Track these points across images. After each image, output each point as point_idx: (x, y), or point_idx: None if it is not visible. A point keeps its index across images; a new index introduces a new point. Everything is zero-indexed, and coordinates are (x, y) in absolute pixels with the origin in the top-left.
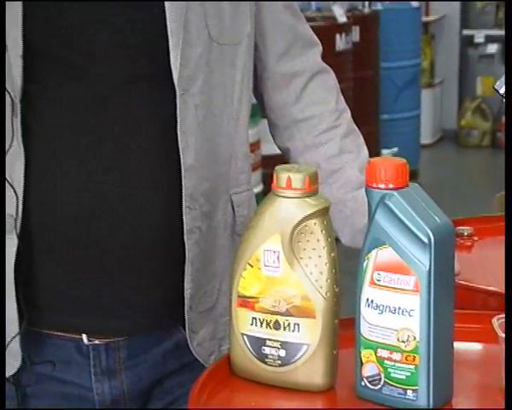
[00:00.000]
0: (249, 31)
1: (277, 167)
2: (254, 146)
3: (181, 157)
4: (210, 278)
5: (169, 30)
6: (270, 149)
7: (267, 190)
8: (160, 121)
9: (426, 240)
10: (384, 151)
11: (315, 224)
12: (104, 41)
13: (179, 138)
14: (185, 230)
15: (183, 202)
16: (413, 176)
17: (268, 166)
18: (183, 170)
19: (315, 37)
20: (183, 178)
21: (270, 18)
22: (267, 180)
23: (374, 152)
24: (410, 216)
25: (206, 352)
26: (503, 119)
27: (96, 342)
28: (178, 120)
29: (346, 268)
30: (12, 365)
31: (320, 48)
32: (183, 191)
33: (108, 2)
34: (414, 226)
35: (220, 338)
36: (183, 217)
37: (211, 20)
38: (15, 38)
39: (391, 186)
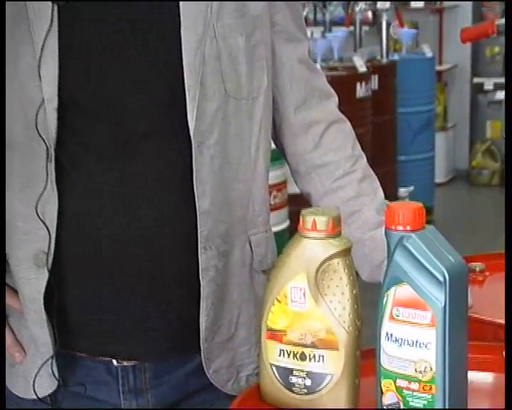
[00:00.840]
0: (266, 85)
1: (303, 211)
2: (281, 186)
3: (196, 204)
4: (226, 312)
5: (186, 85)
6: (295, 188)
7: (293, 226)
8: (177, 169)
9: (441, 278)
10: (401, 190)
11: (338, 263)
12: (129, 96)
13: (195, 186)
14: (200, 268)
15: (199, 244)
16: (428, 212)
17: (294, 204)
18: (198, 214)
19: (331, 88)
20: (198, 222)
21: (286, 73)
22: (293, 217)
23: (392, 191)
24: (427, 256)
25: (223, 378)
26: None
27: (125, 363)
28: (194, 169)
29: (367, 299)
30: (48, 386)
31: (336, 98)
32: (199, 234)
33: (134, 61)
34: (430, 266)
35: (238, 365)
36: (199, 257)
37: (227, 76)
38: (52, 93)
39: (408, 228)
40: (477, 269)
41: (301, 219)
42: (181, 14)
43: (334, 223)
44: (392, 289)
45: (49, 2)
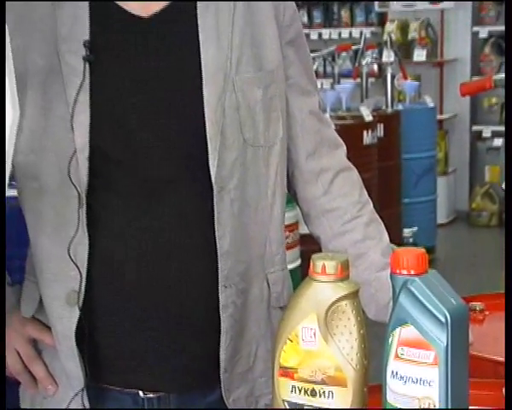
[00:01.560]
0: (281, 134)
1: (314, 256)
2: (293, 226)
3: (217, 245)
4: (245, 345)
5: (208, 136)
6: (306, 229)
7: (304, 265)
8: (199, 213)
9: (443, 320)
10: (405, 230)
11: (346, 305)
12: (155, 146)
13: (216, 228)
14: (220, 305)
15: (219, 282)
16: (430, 251)
17: (305, 244)
18: (219, 255)
19: (339, 139)
20: (219, 262)
21: (298, 124)
22: (304, 256)
23: (396, 231)
24: (430, 299)
25: (243, 408)
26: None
27: (150, 395)
28: (216, 213)
29: (373, 333)
30: None
31: (344, 148)
32: (219, 273)
33: (158, 114)
34: (433, 308)
35: (257, 396)
36: (219, 294)
37: (245, 126)
38: (83, 144)
39: (412, 273)
40: (477, 309)
41: (312, 263)
42: (202, 69)
43: (343, 267)
44: (398, 329)
45: (81, 59)
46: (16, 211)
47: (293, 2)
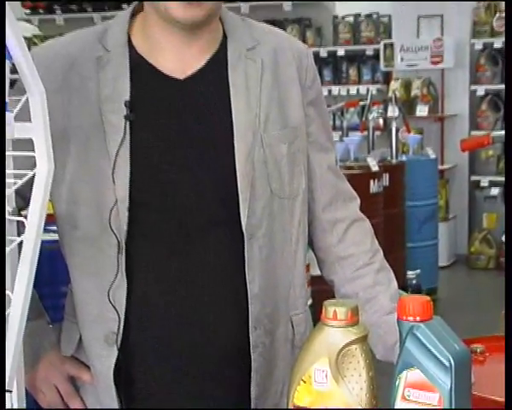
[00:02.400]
0: (304, 186)
1: (325, 302)
2: (306, 268)
3: (248, 288)
4: (273, 383)
5: (239, 187)
6: (317, 270)
7: (315, 303)
8: (231, 258)
9: (447, 364)
10: (409, 272)
11: (356, 349)
12: (190, 197)
13: (246, 273)
14: (251, 345)
15: (250, 324)
16: (433, 292)
17: (316, 284)
18: (249, 298)
19: (353, 192)
20: (249, 305)
21: (317, 178)
22: (315, 296)
23: (401, 273)
24: (434, 344)
25: None
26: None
27: None
28: (246, 258)
29: (381, 368)
30: None
31: (358, 201)
32: (250, 315)
33: (193, 167)
34: (437, 353)
35: None
36: (250, 335)
37: (273, 178)
38: (124, 195)
39: (418, 319)
40: (478, 350)
41: (324, 309)
42: (234, 126)
43: (353, 313)
44: (404, 372)
45: (122, 117)
46: (50, 253)
47: (315, 66)
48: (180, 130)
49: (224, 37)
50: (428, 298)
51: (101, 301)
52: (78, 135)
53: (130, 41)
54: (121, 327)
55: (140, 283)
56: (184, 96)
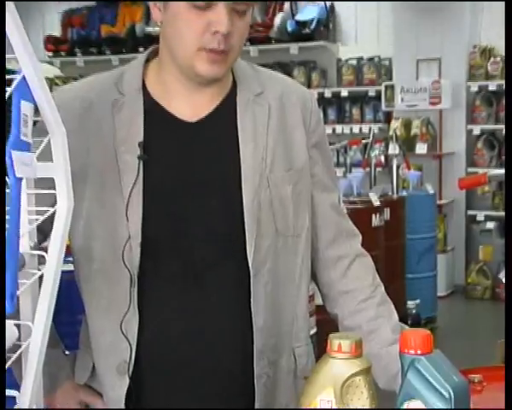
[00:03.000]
0: (307, 225)
1: (331, 335)
2: (310, 298)
3: (253, 321)
4: None
5: (246, 226)
6: (321, 300)
7: (319, 331)
8: (237, 293)
9: (447, 396)
10: (409, 302)
11: (359, 380)
12: (199, 234)
13: (252, 307)
14: (255, 375)
15: (254, 355)
16: (432, 321)
17: (320, 313)
18: (254, 330)
19: (356, 229)
20: (254, 337)
21: (320, 216)
22: (319, 324)
23: (401, 303)
24: (435, 376)
25: None
26: (500, 278)
27: None
28: (252, 293)
29: (382, 395)
30: None
31: (360, 238)
32: (254, 347)
33: (203, 206)
34: (437, 384)
35: None
36: (254, 366)
37: (278, 218)
38: (136, 231)
39: (419, 352)
40: (476, 380)
41: (329, 342)
42: (241, 168)
43: (357, 346)
44: (406, 403)
45: (136, 158)
46: (68, 282)
47: (318, 110)
48: (190, 170)
49: (234, 82)
50: (429, 332)
51: (114, 331)
52: (94, 174)
53: (144, 85)
54: (133, 357)
55: (151, 315)
56: (195, 139)
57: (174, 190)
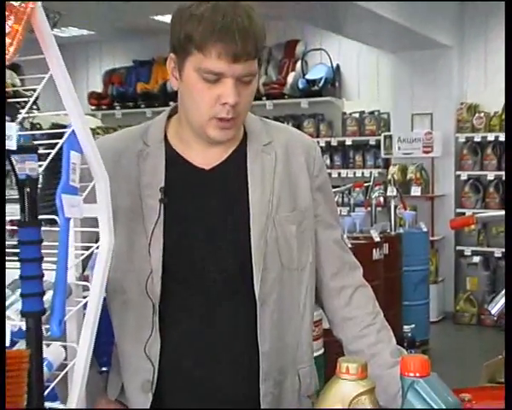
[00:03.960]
0: (311, 260)
1: (340, 359)
2: (318, 323)
3: (259, 346)
4: None
5: (253, 261)
6: (327, 324)
7: (326, 352)
8: (245, 321)
9: None
10: (405, 327)
11: (365, 399)
12: (212, 269)
13: (258, 334)
14: (261, 395)
15: (260, 376)
16: (425, 344)
17: (327, 335)
18: (260, 354)
19: (357, 262)
20: (260, 361)
21: (325, 251)
22: (326, 346)
23: (398, 327)
24: (431, 397)
25: None
26: (485, 307)
27: None
28: (258, 322)
29: None
30: None
31: (361, 270)
32: (260, 369)
33: (218, 244)
34: (434, 404)
35: None
36: (260, 386)
37: (283, 253)
38: (158, 266)
39: (418, 375)
40: (466, 399)
41: (338, 364)
42: (250, 209)
43: (363, 369)
44: None
45: (158, 201)
46: (105, 308)
47: (321, 157)
48: (205, 212)
49: (245, 133)
50: (426, 357)
51: (139, 355)
52: (122, 215)
53: (166, 137)
54: (155, 376)
55: (171, 339)
56: (209, 184)
57: (190, 230)
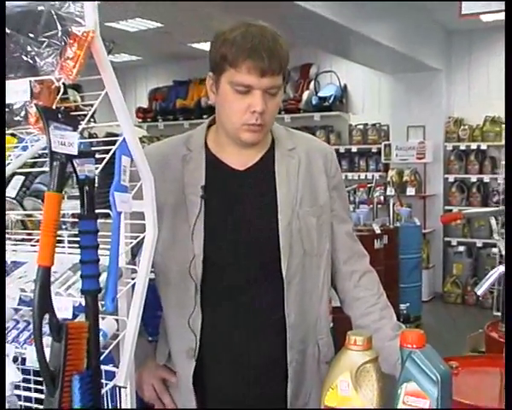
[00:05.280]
0: (328, 247)
1: (349, 332)
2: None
3: (286, 320)
4: (303, 388)
5: (281, 248)
6: (337, 303)
7: (335, 326)
8: (274, 299)
9: (435, 379)
10: (401, 305)
11: (370, 366)
12: (247, 255)
13: (285, 309)
14: (288, 361)
15: (287, 345)
16: (417, 319)
17: (336, 313)
18: (287, 327)
19: (365, 251)
20: (287, 332)
21: (338, 241)
22: (335, 321)
23: (395, 306)
24: (426, 365)
25: None
26: (468, 288)
27: None
28: (285, 299)
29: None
30: None
31: (368, 258)
32: (288, 339)
33: (251, 234)
34: (428, 371)
35: None
36: (287, 353)
37: (305, 242)
38: (199, 252)
39: (415, 346)
40: (453, 366)
41: (347, 337)
42: (278, 204)
43: (368, 341)
44: (404, 385)
45: (199, 197)
46: (151, 287)
47: (337, 160)
48: (240, 206)
49: (273, 140)
50: (422, 332)
51: (184, 326)
52: (168, 210)
53: (206, 144)
54: (197, 345)
55: (211, 313)
56: (243, 183)
57: (227, 221)
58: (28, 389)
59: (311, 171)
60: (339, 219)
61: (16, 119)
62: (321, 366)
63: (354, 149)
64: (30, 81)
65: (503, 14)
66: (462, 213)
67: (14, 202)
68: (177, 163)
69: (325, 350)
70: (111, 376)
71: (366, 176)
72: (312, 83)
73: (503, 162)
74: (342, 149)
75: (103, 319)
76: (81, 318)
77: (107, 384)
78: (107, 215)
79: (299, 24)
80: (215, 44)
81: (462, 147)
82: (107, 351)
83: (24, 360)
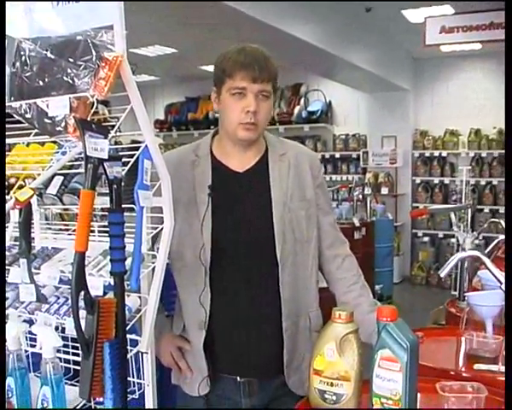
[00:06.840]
0: (315, 235)
1: (334, 308)
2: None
3: (281, 296)
4: (297, 353)
5: (275, 236)
6: (324, 284)
7: (321, 304)
8: (271, 279)
9: (405, 346)
10: (376, 286)
11: (351, 337)
12: (248, 241)
13: (280, 286)
14: (283, 329)
15: (282, 317)
16: (389, 298)
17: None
18: (282, 301)
19: (345, 238)
20: (282, 305)
21: (323, 230)
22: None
23: (371, 286)
24: (399, 334)
25: (297, 386)
26: (431, 271)
27: (243, 379)
28: (280, 278)
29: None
30: (205, 389)
31: (348, 244)
32: (282, 311)
33: (248, 225)
34: (400, 340)
35: (303, 381)
36: (282, 323)
37: (296, 230)
38: (208, 240)
39: (389, 320)
40: (420, 336)
41: (332, 312)
42: (272, 200)
43: (350, 315)
44: (380, 351)
45: (207, 195)
46: (168, 271)
47: (320, 164)
48: (240, 202)
49: (266, 147)
50: (395, 308)
51: (196, 303)
52: (181, 205)
53: (211, 151)
54: (207, 318)
55: (218, 292)
56: (243, 183)
57: (231, 215)
58: (67, 353)
59: (299, 172)
60: (323, 211)
61: (58, 129)
62: (311, 334)
63: (337, 155)
64: (69, 98)
65: (460, 45)
66: (427, 210)
67: (55, 198)
68: (188, 167)
69: (315, 321)
70: (135, 343)
71: (347, 178)
72: (302, 99)
73: (461, 167)
74: (327, 155)
75: (128, 296)
76: (110, 295)
77: (131, 350)
78: (131, 209)
79: (294, 50)
80: (216, 64)
81: (427, 154)
82: (131, 323)
83: (63, 329)
